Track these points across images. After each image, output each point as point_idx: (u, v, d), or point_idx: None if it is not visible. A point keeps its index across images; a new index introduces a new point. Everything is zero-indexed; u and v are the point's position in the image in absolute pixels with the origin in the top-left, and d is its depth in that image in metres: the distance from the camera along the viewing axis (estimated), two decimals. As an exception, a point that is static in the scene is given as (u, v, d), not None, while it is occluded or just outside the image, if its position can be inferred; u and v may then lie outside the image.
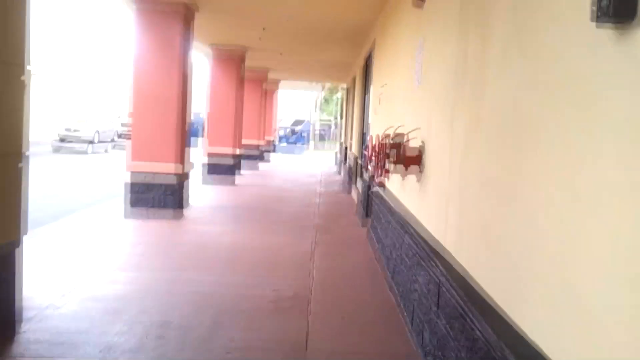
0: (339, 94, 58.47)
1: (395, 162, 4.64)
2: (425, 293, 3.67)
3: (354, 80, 18.56)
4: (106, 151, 27.58)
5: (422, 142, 4.63)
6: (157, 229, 7.45)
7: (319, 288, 5.03)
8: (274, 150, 27.92)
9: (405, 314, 4.36)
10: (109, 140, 29.28)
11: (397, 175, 5.67)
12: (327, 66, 18.23)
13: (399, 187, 5.89)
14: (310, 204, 11.62)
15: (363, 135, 12.89)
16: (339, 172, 20.14)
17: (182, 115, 8.95)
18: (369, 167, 6.55)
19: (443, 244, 3.71)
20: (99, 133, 27.99)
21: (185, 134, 9.28)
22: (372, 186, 7.69)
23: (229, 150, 14.52)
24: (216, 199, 10.53)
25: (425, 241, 3.93)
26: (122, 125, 30.83)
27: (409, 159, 4.65)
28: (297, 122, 39.45)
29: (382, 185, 6.56)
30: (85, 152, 25.30)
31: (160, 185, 8.85)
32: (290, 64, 18.00)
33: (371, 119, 9.86)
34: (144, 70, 8.84)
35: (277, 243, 7.10)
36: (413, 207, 4.98)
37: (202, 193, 12.20)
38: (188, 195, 9.43)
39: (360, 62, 13.76)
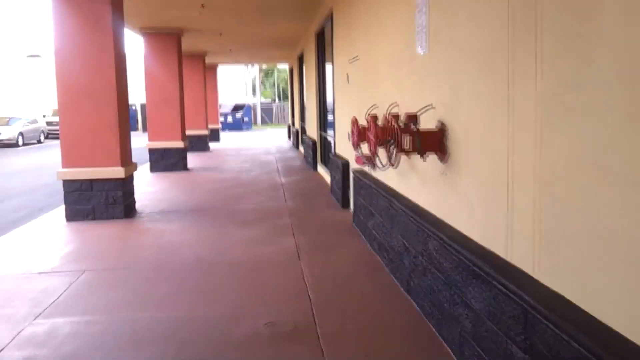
0: (275, 75, 57.36)
1: (410, 151, 3.68)
2: (488, 323, 2.75)
3: (299, 58, 17.45)
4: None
5: (441, 122, 3.68)
6: (103, 247, 6.21)
7: (323, 311, 4.03)
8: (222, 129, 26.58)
9: (446, 344, 3.43)
10: (35, 141, 26.96)
11: (389, 164, 4.73)
12: (269, 44, 17.04)
13: (396, 178, 4.94)
14: (276, 185, 10.58)
15: (322, 117, 11.91)
16: (296, 147, 19.11)
17: (121, 108, 7.64)
18: (359, 154, 5.59)
19: (506, 257, 2.79)
20: (22, 135, 25.66)
21: (127, 130, 7.98)
22: (355, 173, 6.72)
23: (173, 144, 13.19)
24: (168, 192, 9.28)
25: (473, 252, 3.01)
26: (48, 124, 28.48)
27: (427, 144, 3.70)
28: (238, 107, 37.82)
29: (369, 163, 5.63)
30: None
31: (101, 193, 7.56)
32: (230, 44, 16.66)
33: (337, 98, 8.86)
34: (70, 58, 7.46)
35: (251, 242, 6.02)
36: (430, 204, 4.04)
37: (151, 184, 10.87)
38: (134, 201, 8.17)
39: (311, 38, 12.68)
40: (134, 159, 8.35)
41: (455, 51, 3.42)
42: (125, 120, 7.89)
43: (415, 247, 4.04)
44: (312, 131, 13.03)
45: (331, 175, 9.02)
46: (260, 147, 20.83)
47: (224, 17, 11.62)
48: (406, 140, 3.61)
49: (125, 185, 7.72)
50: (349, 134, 6.95)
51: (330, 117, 11.30)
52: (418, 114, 3.85)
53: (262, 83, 57.51)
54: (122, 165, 7.64)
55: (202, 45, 16.78)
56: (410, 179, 4.52)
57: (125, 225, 7.25)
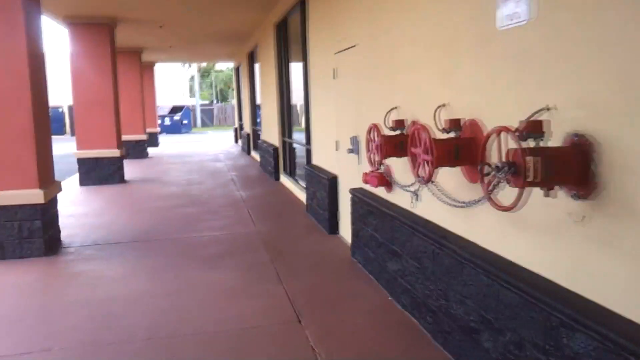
0: (213, 76, 54.87)
1: (533, 182, 2.19)
2: None
3: (249, 55, 15.78)
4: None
5: (579, 136, 2.22)
6: (11, 311, 4.39)
7: None
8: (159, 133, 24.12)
9: None
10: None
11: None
12: (216, 39, 15.26)
13: (444, 210, 3.46)
14: (236, 201, 8.86)
15: (284, 122, 10.34)
16: (247, 152, 17.28)
17: (38, 113, 5.78)
18: (382, 174, 4.12)
19: None
20: None
21: (47, 140, 6.13)
22: (363, 197, 5.19)
23: (107, 152, 11.20)
24: (103, 214, 7.41)
25: None
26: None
27: (557, 171, 2.23)
28: (176, 109, 35.42)
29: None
30: None
31: (12, 225, 5.67)
32: (171, 40, 14.74)
33: (314, 99, 7.31)
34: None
35: (224, 293, 4.39)
36: (541, 262, 2.57)
37: (81, 203, 8.93)
38: (58, 231, 6.31)
39: (268, 31, 11.07)
40: (58, 172, 6.48)
41: None
42: (44, 129, 6.03)
43: (518, 331, 2.56)
44: (272, 136, 11.40)
45: (308, 191, 7.46)
46: (206, 152, 18.88)
47: (167, 3, 9.81)
48: (532, 166, 2.12)
49: (46, 212, 5.85)
50: (350, 144, 5.43)
51: (296, 120, 9.78)
52: (529, 119, 2.36)
53: (199, 84, 54.97)
54: (41, 187, 5.77)
55: (138, 40, 14.77)
56: (481, 214, 3.04)
57: (46, 269, 5.40)
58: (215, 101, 51.51)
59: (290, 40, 9.70)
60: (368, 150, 4.12)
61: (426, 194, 3.60)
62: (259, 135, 15.33)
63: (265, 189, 10.14)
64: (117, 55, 12.14)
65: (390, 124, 4.00)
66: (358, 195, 5.08)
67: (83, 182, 11.11)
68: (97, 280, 4.99)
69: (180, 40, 14.99)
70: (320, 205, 6.67)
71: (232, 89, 52.25)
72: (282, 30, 10.09)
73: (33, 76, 5.68)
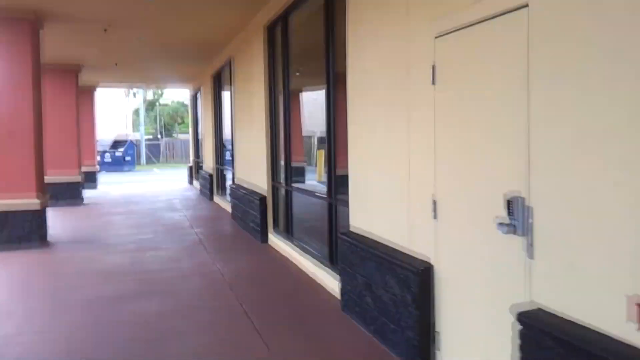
0: (158, 109, 50.90)
1: None
2: None
3: (215, 78, 12.84)
4: None
5: None
6: None
7: None
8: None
9: None
10: None
11: None
12: (176, 55, 12.26)
13: None
14: (217, 286, 5.61)
15: (273, 162, 7.47)
16: (209, 198, 13.80)
17: None
18: None
19: None
20: None
21: None
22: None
23: (22, 202, 7.89)
24: (5, 317, 4.29)
25: None
26: None
27: None
28: (118, 143, 31.67)
29: None
30: None
31: None
32: (117, 53, 11.60)
33: (358, 123, 4.45)
34: None
35: None
36: None
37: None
38: None
39: (257, 34, 8.22)
40: None
41: None
42: None
43: None
44: (257, 179, 8.39)
45: (346, 278, 4.49)
46: (156, 196, 15.40)
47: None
48: None
49: None
50: (505, 210, 2.52)
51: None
52: None
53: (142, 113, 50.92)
54: None
55: (75, 52, 11.57)
56: None
57: None
58: (160, 136, 47.72)
59: (292, 45, 6.91)
60: None
61: None
62: (226, 176, 12.30)
63: (253, 258, 7.04)
64: (45, 71, 8.96)
65: None
66: (571, 341, 2.19)
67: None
68: None
69: (129, 55, 11.89)
70: (389, 314, 3.72)
71: (179, 123, 48.49)
72: (278, 33, 7.27)
73: None
